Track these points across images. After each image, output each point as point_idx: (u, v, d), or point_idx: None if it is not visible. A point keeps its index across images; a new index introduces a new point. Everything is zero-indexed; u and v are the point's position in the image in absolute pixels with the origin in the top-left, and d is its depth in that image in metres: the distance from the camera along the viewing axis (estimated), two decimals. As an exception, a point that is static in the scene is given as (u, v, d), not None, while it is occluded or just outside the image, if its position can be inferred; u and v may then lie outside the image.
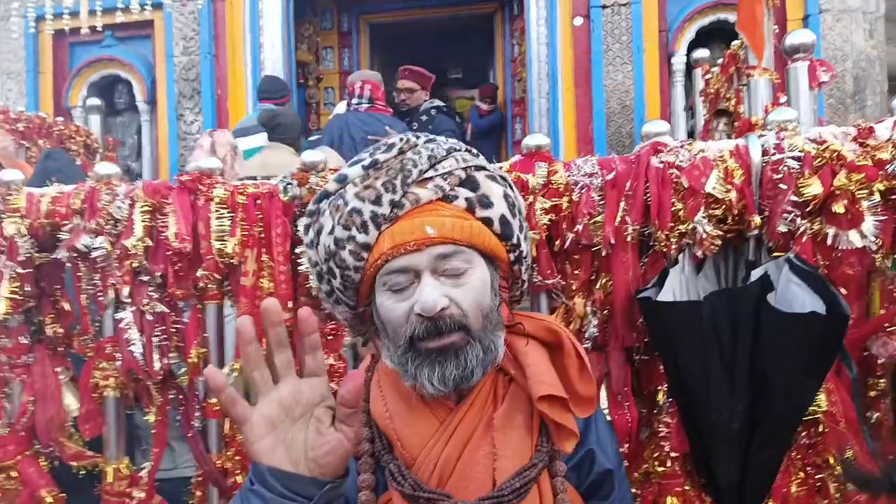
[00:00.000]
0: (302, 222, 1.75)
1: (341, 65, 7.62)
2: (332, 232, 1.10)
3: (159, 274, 1.82)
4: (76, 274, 1.90)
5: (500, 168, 1.49)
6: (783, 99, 2.64)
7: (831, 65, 2.76)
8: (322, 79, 7.42)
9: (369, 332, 1.21)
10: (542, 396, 1.08)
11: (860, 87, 5.46)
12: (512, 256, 1.17)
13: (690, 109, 5.10)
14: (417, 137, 1.14)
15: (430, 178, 1.10)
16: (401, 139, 1.13)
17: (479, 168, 1.15)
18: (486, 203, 1.12)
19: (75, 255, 1.86)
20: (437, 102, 5.43)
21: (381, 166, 1.10)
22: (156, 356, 1.82)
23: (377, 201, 1.07)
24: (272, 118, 4.09)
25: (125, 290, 1.82)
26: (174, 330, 1.85)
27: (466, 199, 1.11)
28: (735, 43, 3.17)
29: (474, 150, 1.17)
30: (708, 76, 4.16)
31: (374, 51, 8.02)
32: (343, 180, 1.12)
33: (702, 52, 4.63)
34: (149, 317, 1.83)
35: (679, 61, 5.47)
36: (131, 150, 5.96)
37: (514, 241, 1.16)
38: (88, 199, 1.84)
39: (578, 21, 5.63)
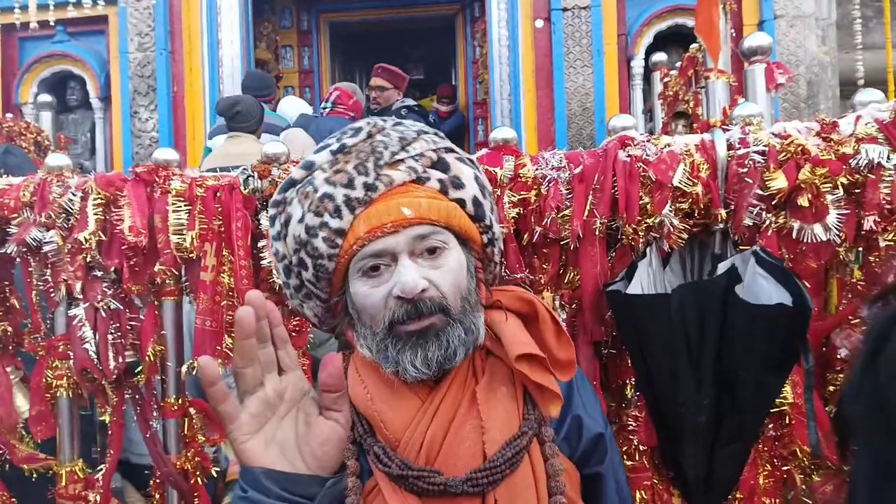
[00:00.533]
0: (266, 214, 1.71)
1: (301, 64, 7.55)
2: (302, 220, 1.07)
3: (113, 269, 1.75)
4: (26, 269, 1.83)
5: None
6: (741, 101, 2.68)
7: (788, 67, 2.80)
8: (282, 77, 7.32)
9: (341, 324, 1.18)
10: (520, 356, 1.07)
11: (813, 91, 5.59)
12: (485, 238, 1.17)
13: (649, 112, 5.17)
14: (384, 121, 1.13)
15: (402, 160, 1.08)
16: (368, 123, 1.11)
17: (449, 150, 1.14)
18: (459, 184, 1.12)
19: (25, 249, 1.79)
20: (409, 102, 5.44)
21: (349, 150, 1.08)
22: (111, 354, 1.75)
23: (350, 184, 1.05)
24: (231, 106, 4.00)
25: (78, 286, 1.75)
26: (129, 327, 1.78)
27: (439, 180, 1.10)
28: (693, 46, 3.22)
29: (441, 133, 1.16)
30: (666, 79, 4.23)
31: (335, 50, 7.95)
32: (310, 167, 1.09)
33: (660, 56, 4.70)
34: (103, 314, 1.76)
35: (638, 65, 5.55)
36: (84, 148, 5.81)
37: (487, 221, 1.15)
38: (39, 192, 1.77)
39: (539, 23, 5.66)
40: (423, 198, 1.08)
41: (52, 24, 4.93)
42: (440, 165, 1.12)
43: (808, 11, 5.66)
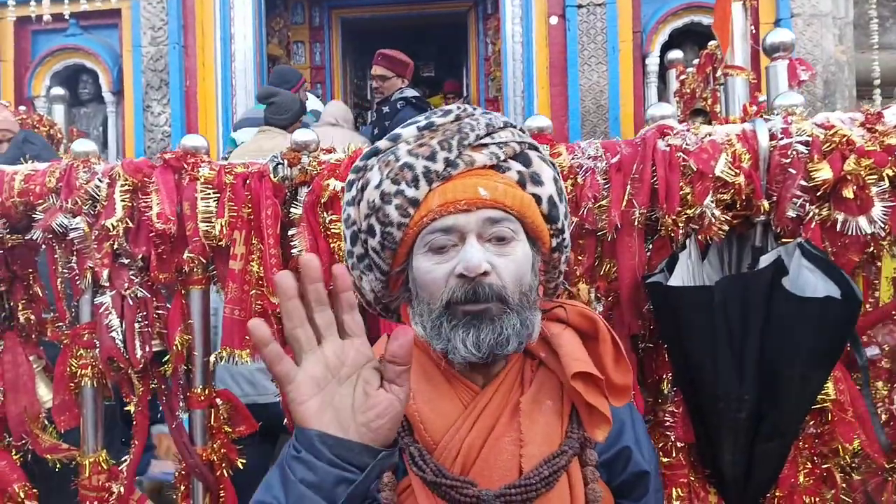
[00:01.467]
0: (296, 203, 1.68)
1: (312, 60, 7.52)
2: (378, 186, 1.06)
3: (141, 257, 1.72)
4: (51, 256, 1.80)
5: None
6: (761, 98, 2.64)
7: (810, 63, 2.77)
8: (293, 74, 7.30)
9: (399, 300, 1.17)
10: (577, 374, 1.04)
11: (830, 90, 5.54)
12: (554, 242, 1.15)
13: (664, 110, 5.12)
14: (475, 108, 1.13)
15: (486, 145, 1.08)
16: (458, 107, 1.12)
17: (533, 147, 1.14)
18: (537, 180, 1.11)
19: (50, 236, 1.76)
20: (409, 93, 5.10)
21: (436, 128, 1.09)
22: (137, 343, 1.72)
23: (431, 157, 1.05)
24: (269, 95, 3.92)
25: (104, 274, 1.72)
26: (156, 316, 1.75)
27: (519, 172, 1.10)
28: (712, 43, 3.18)
29: (526, 131, 1.16)
30: (683, 77, 4.19)
31: (347, 46, 7.92)
32: (396, 139, 1.10)
33: (676, 53, 4.66)
34: (130, 302, 1.73)
35: (653, 62, 5.51)
36: (96, 142, 5.73)
37: (559, 225, 1.14)
38: (65, 178, 1.74)
39: (554, 20, 5.62)
40: (500, 183, 1.07)
41: (65, 17, 4.91)
42: (522, 158, 1.11)
43: (826, 10, 5.61)
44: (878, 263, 1.62)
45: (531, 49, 5.63)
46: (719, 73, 2.86)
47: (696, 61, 3.83)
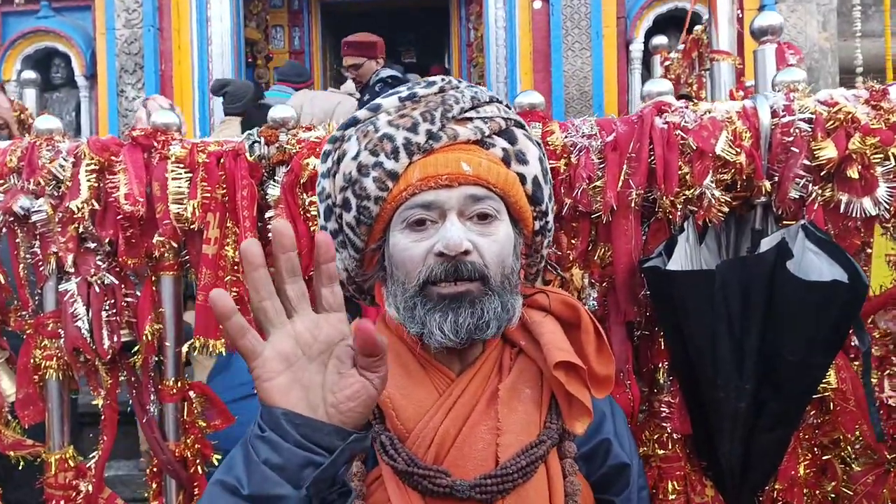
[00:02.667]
0: (273, 183, 1.59)
1: (291, 44, 7.42)
2: (356, 157, 1.01)
3: (108, 241, 1.62)
4: (13, 241, 1.68)
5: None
6: (749, 83, 2.59)
7: (798, 48, 2.71)
8: (272, 58, 7.17)
9: (373, 279, 1.11)
10: (559, 363, 1.00)
11: (814, 77, 5.52)
12: (537, 224, 1.11)
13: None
14: (459, 81, 1.08)
15: (471, 119, 1.03)
16: (442, 78, 1.07)
17: (518, 125, 1.09)
18: (522, 159, 1.06)
19: (11, 219, 1.65)
20: (386, 73, 4.85)
21: (419, 99, 1.04)
22: (104, 333, 1.61)
23: (413, 129, 0.99)
24: (221, 86, 3.86)
25: (69, 259, 1.61)
26: (125, 304, 1.65)
27: (504, 149, 1.05)
28: (697, 28, 3.14)
29: (512, 107, 1.12)
30: (668, 62, 4.13)
31: (326, 31, 7.81)
32: (376, 109, 1.04)
33: (660, 39, 4.63)
34: (96, 289, 1.62)
35: (637, 48, 5.48)
36: (69, 127, 5.66)
37: (543, 207, 1.10)
38: (27, 157, 1.63)
39: (538, 5, 5.56)
40: (484, 159, 1.02)
41: (37, -2, 4.78)
42: (507, 135, 1.07)
43: (810, -4, 5.61)
44: (869, 250, 1.56)
45: (514, 34, 5.57)
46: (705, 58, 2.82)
47: (680, 46, 3.78)
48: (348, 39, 5.08)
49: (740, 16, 2.77)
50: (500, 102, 1.09)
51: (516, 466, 0.98)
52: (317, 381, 0.78)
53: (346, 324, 0.81)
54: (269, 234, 1.54)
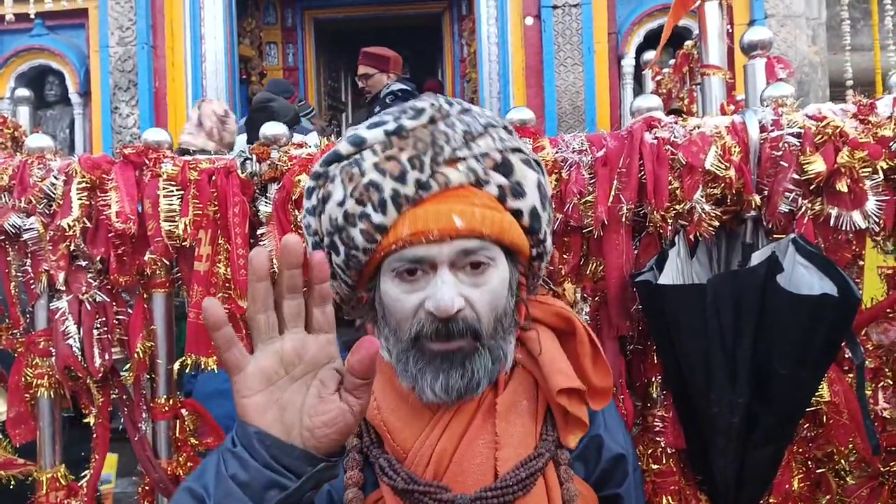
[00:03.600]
0: (265, 200, 1.59)
1: (285, 61, 7.41)
2: (342, 204, 0.96)
3: (99, 258, 1.61)
4: (4, 259, 1.68)
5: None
6: (739, 97, 2.60)
7: (788, 62, 2.74)
8: (266, 75, 7.17)
9: (366, 318, 1.08)
10: (562, 390, 0.99)
11: (804, 91, 5.56)
12: (535, 252, 1.06)
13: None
14: (451, 105, 1.01)
15: (463, 159, 0.97)
16: (431, 105, 0.99)
17: (516, 150, 1.02)
18: (519, 193, 1.00)
19: (3, 237, 1.65)
20: (397, 86, 4.78)
21: (406, 135, 0.96)
22: (96, 351, 1.61)
23: (401, 178, 0.94)
24: (266, 101, 3.78)
25: (60, 277, 1.61)
26: (117, 321, 1.64)
27: (499, 186, 0.99)
28: (688, 43, 3.16)
29: (510, 127, 1.05)
30: (659, 77, 4.16)
31: (320, 48, 7.81)
32: (360, 144, 0.97)
33: (651, 55, 4.64)
34: (88, 307, 1.62)
35: (628, 63, 5.51)
36: (63, 145, 5.64)
37: (541, 235, 1.05)
38: (18, 175, 1.63)
39: (529, 21, 5.58)
40: (477, 207, 0.96)
41: (30, 16, 4.77)
42: (503, 168, 1.00)
43: (799, 11, 5.65)
44: (861, 262, 1.56)
45: (507, 50, 5.59)
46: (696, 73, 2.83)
47: (671, 62, 3.81)
48: (366, 49, 5.06)
49: (730, 31, 2.79)
50: (496, 126, 1.03)
51: (516, 479, 0.98)
52: (296, 402, 0.77)
53: (335, 345, 0.80)
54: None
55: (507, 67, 5.58)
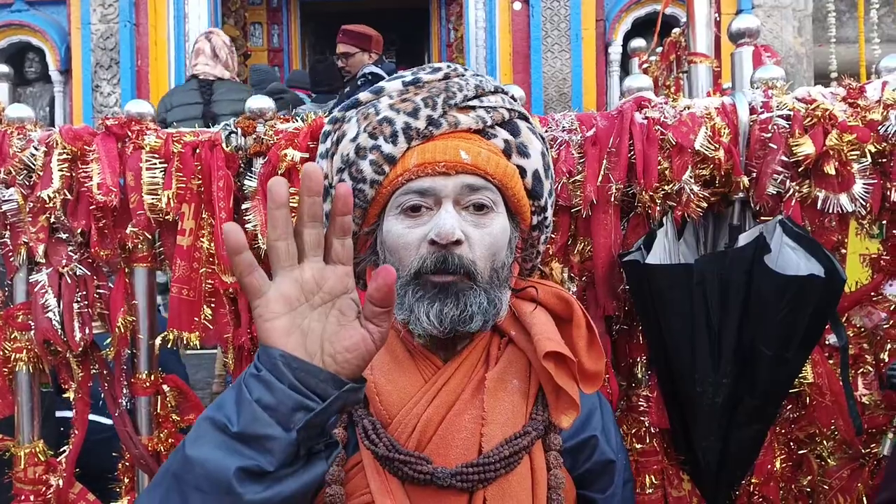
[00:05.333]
0: (250, 174, 1.57)
1: (270, 42, 7.36)
2: (355, 139, 1.00)
3: (80, 231, 1.59)
4: (-19, 231, 1.65)
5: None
6: (726, 85, 2.61)
7: (775, 50, 2.74)
8: (250, 55, 7.11)
9: (365, 263, 1.09)
10: (549, 354, 0.98)
11: (789, 82, 5.59)
12: (535, 219, 1.10)
13: (626, 99, 5.10)
14: (465, 69, 1.07)
15: (474, 108, 1.02)
16: (447, 65, 1.06)
17: (523, 117, 1.08)
18: (524, 151, 1.05)
19: (-19, 208, 1.61)
20: (373, 69, 4.54)
21: (422, 84, 1.03)
22: (76, 325, 1.58)
23: (413, 114, 0.99)
24: (278, 92, 3.82)
25: (40, 250, 1.58)
26: (97, 295, 1.62)
27: (505, 140, 1.04)
28: (675, 31, 3.16)
29: (517, 99, 1.11)
30: (646, 65, 4.16)
31: (306, 29, 7.76)
32: (379, 92, 1.03)
33: (638, 42, 4.66)
34: (68, 280, 1.59)
35: (616, 51, 5.51)
36: (43, 122, 5.55)
37: (542, 202, 1.09)
38: (-3, 145, 1.60)
39: (517, 6, 5.57)
40: (483, 149, 1.01)
41: (10, -8, 4.70)
42: (510, 127, 1.06)
43: (786, 2, 5.67)
44: (844, 250, 1.57)
45: (494, 35, 5.57)
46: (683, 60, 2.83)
47: (658, 50, 3.81)
48: (346, 27, 4.88)
49: (718, 19, 2.79)
50: (506, 93, 1.08)
51: (499, 456, 0.97)
52: (316, 329, 0.78)
53: (352, 278, 0.80)
54: (246, 226, 1.54)
55: (495, 52, 5.57)
